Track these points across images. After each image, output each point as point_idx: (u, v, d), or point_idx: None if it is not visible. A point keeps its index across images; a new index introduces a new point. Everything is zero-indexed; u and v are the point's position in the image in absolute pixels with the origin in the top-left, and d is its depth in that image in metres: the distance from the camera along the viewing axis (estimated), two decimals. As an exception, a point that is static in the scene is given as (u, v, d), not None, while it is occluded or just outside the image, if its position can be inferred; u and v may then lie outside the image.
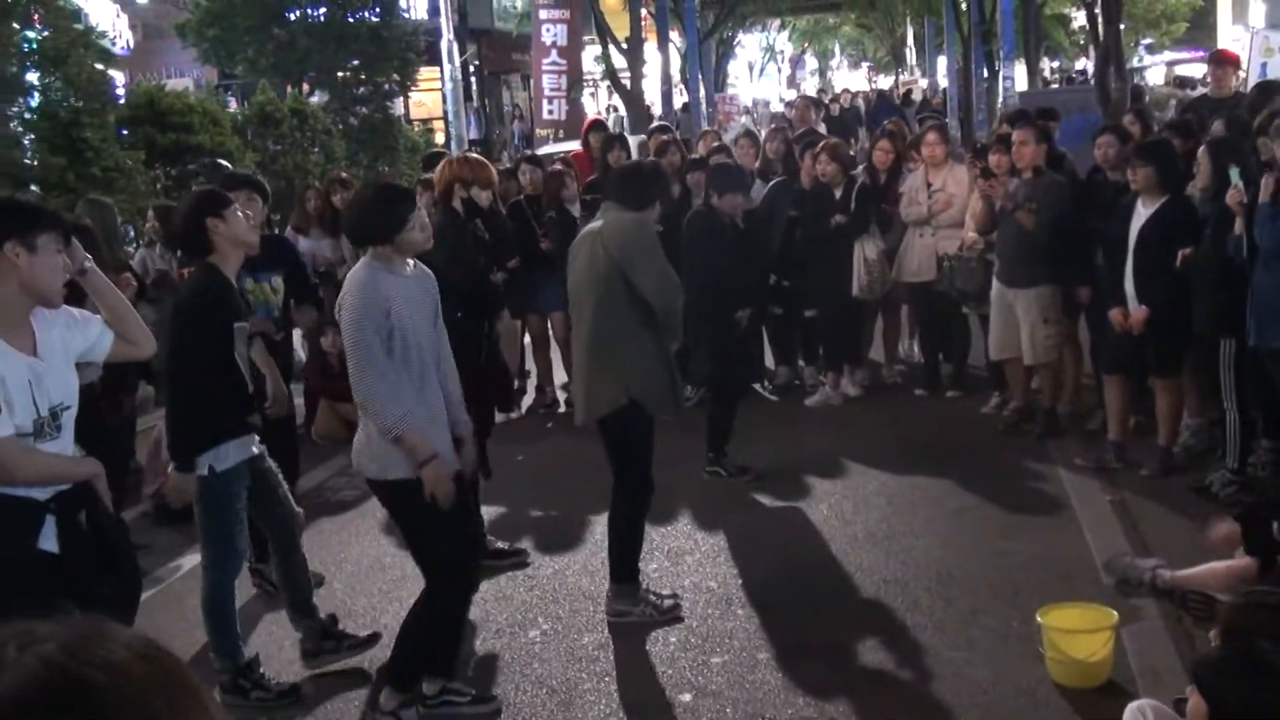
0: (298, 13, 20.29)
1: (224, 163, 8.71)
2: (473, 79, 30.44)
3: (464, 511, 4.91)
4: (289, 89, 19.47)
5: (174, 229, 6.57)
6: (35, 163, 12.51)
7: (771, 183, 9.74)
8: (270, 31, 20.01)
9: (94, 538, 3.94)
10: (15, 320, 3.75)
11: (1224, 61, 10.18)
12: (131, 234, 11.55)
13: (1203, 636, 5.00)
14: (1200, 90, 16.45)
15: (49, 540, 3.79)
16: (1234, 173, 6.28)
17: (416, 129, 23.31)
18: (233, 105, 19.75)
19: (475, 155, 7.83)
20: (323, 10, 20.48)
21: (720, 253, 7.58)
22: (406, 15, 22.19)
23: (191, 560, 6.94)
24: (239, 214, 5.12)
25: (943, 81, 35.95)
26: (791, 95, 46.27)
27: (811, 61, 65.15)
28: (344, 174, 10.88)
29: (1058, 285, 7.95)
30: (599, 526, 6.98)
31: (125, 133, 13.84)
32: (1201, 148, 6.89)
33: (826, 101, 27.62)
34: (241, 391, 5.14)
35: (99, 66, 13.62)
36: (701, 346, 7.66)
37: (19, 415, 3.68)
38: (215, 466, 5.03)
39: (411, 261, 4.81)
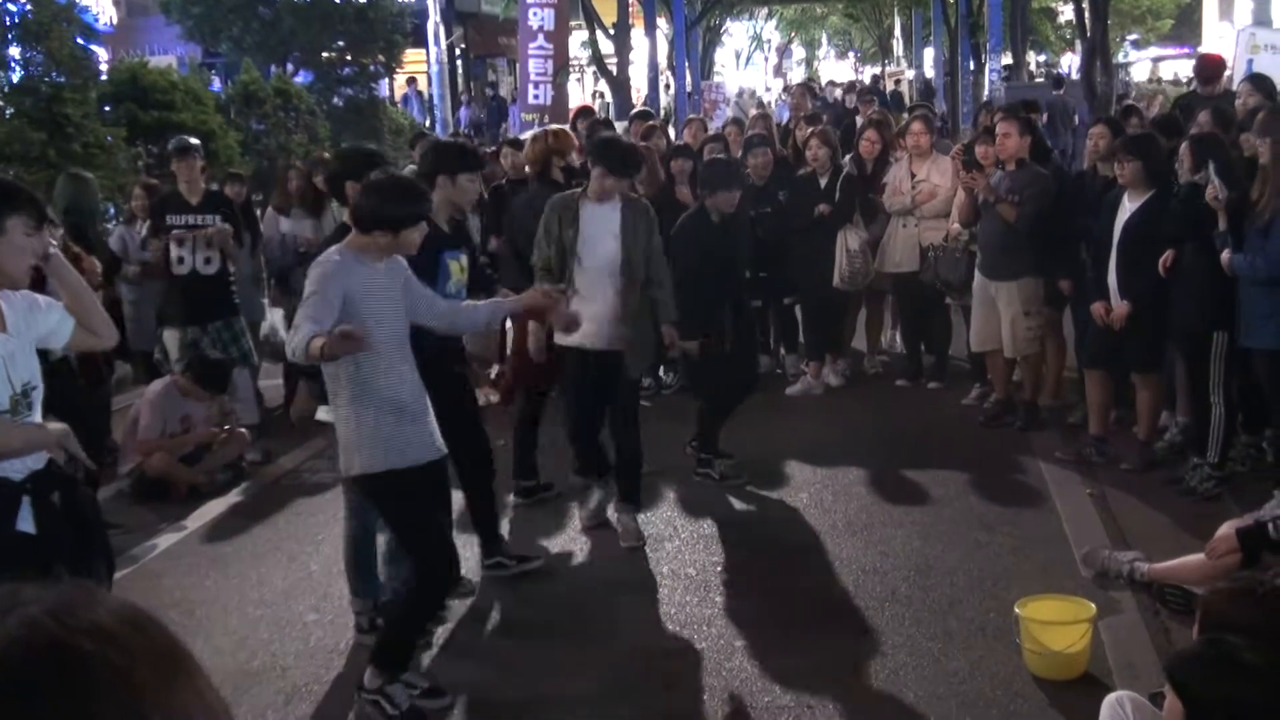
0: (283, -9, 20.18)
1: (194, 140, 8.64)
2: (459, 62, 30.33)
3: (438, 506, 4.90)
4: (273, 68, 19.36)
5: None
6: (15, 138, 12.38)
7: None
8: (255, 10, 19.87)
9: (70, 517, 3.90)
10: None
11: (1209, 73, 10.21)
12: (111, 211, 11.47)
13: (1180, 630, 5.01)
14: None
15: (25, 522, 3.74)
16: (1210, 169, 6.28)
17: (401, 111, 23.19)
18: (216, 84, 19.60)
19: (560, 127, 8.12)
20: (309, -11, 20.38)
21: (713, 256, 7.35)
22: (393, -4, 22.07)
23: (168, 540, 6.93)
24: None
25: (929, 73, 35.96)
26: (778, 84, 46.25)
27: (799, 51, 65.09)
28: (326, 154, 10.82)
29: (1039, 278, 7.96)
30: (577, 512, 6.96)
31: (107, 109, 13.72)
32: (1184, 142, 6.88)
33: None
34: None
35: (81, 42, 13.47)
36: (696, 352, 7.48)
37: None
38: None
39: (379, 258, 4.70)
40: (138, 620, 1.13)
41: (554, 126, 8.15)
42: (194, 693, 1.13)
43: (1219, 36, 31.62)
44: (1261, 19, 20.66)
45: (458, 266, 5.82)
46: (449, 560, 4.84)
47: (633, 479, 6.70)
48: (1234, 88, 9.54)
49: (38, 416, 3.85)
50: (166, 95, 14.36)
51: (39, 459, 3.85)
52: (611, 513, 6.74)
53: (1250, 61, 15.00)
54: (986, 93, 22.15)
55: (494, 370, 9.99)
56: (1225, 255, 6.19)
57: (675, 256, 7.24)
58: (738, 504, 7.17)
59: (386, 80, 22.90)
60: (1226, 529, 5.30)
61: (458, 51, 29.61)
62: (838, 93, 26.86)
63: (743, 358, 7.66)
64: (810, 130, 9.71)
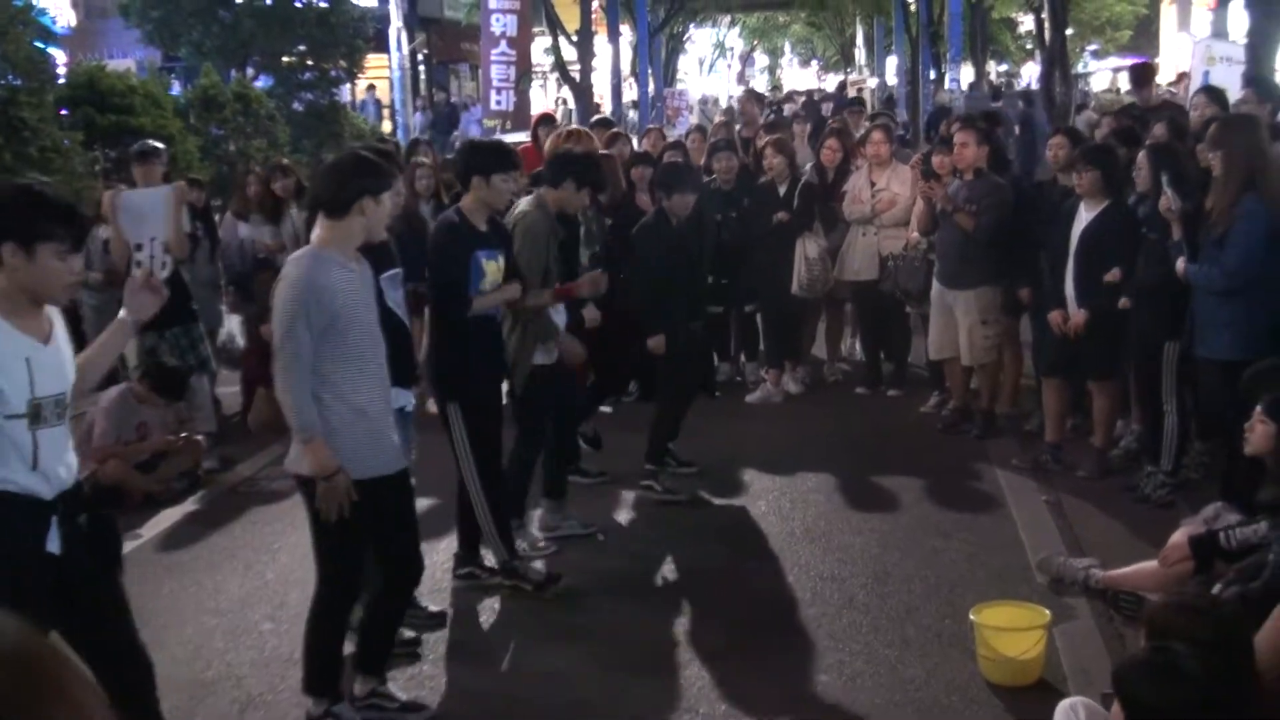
0: (244, -5, 20.05)
1: (157, 144, 8.61)
2: (421, 68, 30.23)
3: (391, 522, 4.74)
4: (233, 73, 19.21)
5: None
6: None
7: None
8: (215, 14, 19.70)
9: (94, 539, 3.87)
10: (22, 307, 3.67)
11: (1142, 80, 10.34)
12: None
13: (1133, 636, 5.05)
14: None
15: (52, 542, 3.71)
16: (1164, 180, 6.35)
17: (362, 117, 23.08)
18: (175, 88, 19.46)
19: (583, 129, 8.21)
20: (269, -7, 20.27)
21: (674, 258, 7.28)
22: (355, 1, 21.96)
23: (128, 546, 6.84)
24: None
25: (891, 81, 36.15)
26: (740, 92, 46.29)
27: (761, 59, 65.33)
28: (285, 160, 10.78)
29: (997, 287, 8.01)
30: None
31: (65, 113, 13.59)
32: (1141, 152, 6.95)
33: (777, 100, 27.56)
34: (397, 336, 5.10)
35: (38, 44, 13.35)
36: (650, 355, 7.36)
37: (12, 399, 3.60)
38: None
39: (353, 255, 4.60)
40: (18, 648, 1.13)
41: (575, 127, 8.36)
42: (73, 715, 1.13)
43: (1177, 48, 31.94)
44: (1219, 31, 20.87)
45: (494, 267, 5.83)
46: (354, 582, 4.71)
47: (564, 477, 6.86)
48: (1190, 99, 9.65)
49: (66, 429, 3.80)
50: (125, 99, 14.24)
51: (70, 478, 3.81)
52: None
53: (1206, 73, 15.17)
54: (947, 102, 22.31)
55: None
56: (1180, 264, 6.25)
57: (638, 258, 7.26)
58: (696, 511, 7.17)
59: (348, 85, 22.77)
60: (1179, 537, 5.35)
61: (420, 57, 29.52)
62: (798, 101, 26.86)
63: (699, 360, 7.71)
64: (766, 139, 9.75)
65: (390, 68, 20.96)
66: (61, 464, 3.77)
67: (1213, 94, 8.53)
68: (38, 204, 3.70)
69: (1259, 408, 4.84)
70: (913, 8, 29.78)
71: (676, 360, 7.30)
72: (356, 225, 4.52)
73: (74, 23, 24.74)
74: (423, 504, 7.20)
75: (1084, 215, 7.07)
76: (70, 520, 3.77)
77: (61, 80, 14.53)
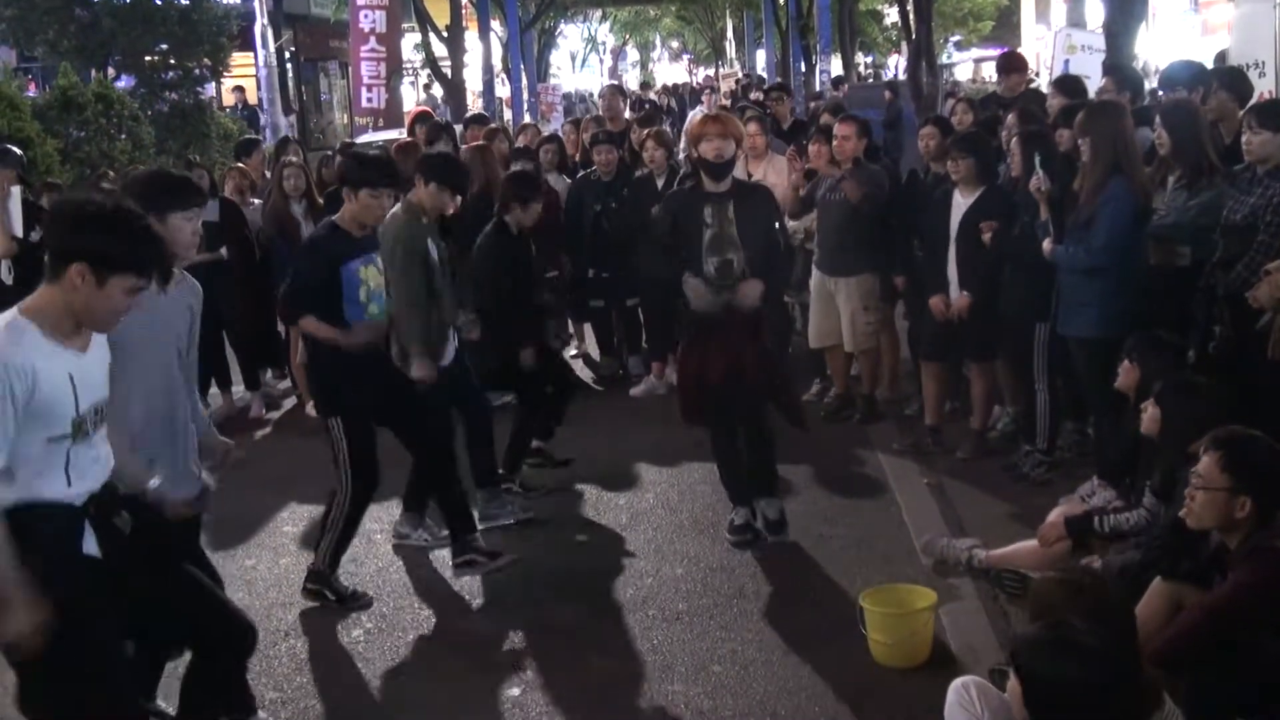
0: (102, -8, 19.46)
1: (13, 148, 8.33)
2: (289, 65, 29.68)
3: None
4: (93, 73, 18.65)
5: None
6: None
7: (577, 176, 9.70)
8: (72, 12, 19.09)
9: (144, 534, 3.77)
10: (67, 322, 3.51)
11: (1012, 68, 10.54)
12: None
13: (1017, 613, 5.16)
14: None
15: (89, 544, 3.60)
16: (1036, 161, 6.50)
17: (230, 115, 22.59)
18: (32, 89, 18.86)
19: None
20: (128, -10, 19.71)
21: (519, 272, 7.15)
22: (218, -2, 21.48)
23: None
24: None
25: (763, 74, 36.51)
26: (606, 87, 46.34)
27: (633, 53, 65.58)
28: (140, 169, 10.55)
29: (876, 273, 8.11)
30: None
31: (-86, 116, 13.10)
32: (1014, 139, 7.09)
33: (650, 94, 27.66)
34: None
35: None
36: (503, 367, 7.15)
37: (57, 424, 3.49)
38: None
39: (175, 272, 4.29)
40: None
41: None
42: None
43: (1036, 38, 32.81)
44: (1076, 21, 21.46)
45: (373, 272, 5.68)
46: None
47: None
48: (1042, 87, 9.87)
49: (102, 436, 3.68)
50: (-23, 101, 13.76)
51: (100, 479, 3.66)
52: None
53: (1067, 61, 15.58)
54: (818, 93, 22.64)
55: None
56: (1046, 244, 6.39)
57: (484, 275, 7.11)
58: (584, 505, 7.15)
59: (214, 84, 22.26)
60: (1055, 516, 5.47)
61: (287, 55, 28.98)
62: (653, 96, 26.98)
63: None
64: (646, 132, 9.75)
65: (256, 66, 20.59)
66: (93, 469, 3.65)
67: (1064, 84, 8.74)
68: (118, 236, 3.47)
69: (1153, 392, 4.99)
70: (781, 1, 30.16)
71: (540, 371, 7.21)
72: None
73: (-80, 23, 23.78)
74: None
75: (961, 201, 7.18)
76: (105, 521, 3.65)
77: (-91, 83, 13.98)
